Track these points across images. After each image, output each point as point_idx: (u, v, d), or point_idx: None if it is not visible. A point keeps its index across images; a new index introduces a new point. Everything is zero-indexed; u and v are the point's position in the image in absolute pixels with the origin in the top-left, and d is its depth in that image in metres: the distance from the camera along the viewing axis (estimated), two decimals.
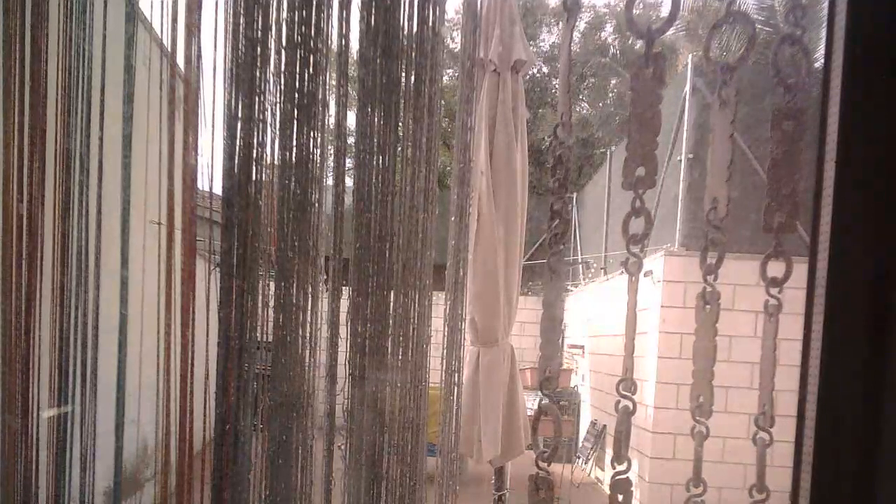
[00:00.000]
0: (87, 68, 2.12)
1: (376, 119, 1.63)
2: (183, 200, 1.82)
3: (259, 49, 1.52)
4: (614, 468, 0.84)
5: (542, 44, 15.59)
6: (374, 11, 1.59)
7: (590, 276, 9.07)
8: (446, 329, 2.06)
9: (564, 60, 0.91)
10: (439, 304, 1.90)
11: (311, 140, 1.58)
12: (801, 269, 0.76)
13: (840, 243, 0.68)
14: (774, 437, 0.83)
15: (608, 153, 9.15)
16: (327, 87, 1.60)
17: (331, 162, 1.67)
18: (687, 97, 5.80)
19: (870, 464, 0.67)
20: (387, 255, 1.68)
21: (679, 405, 5.59)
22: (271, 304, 1.59)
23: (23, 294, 2.13)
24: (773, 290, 0.80)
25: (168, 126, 1.93)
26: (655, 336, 5.74)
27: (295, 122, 1.57)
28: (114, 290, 2.10)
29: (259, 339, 1.60)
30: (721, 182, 0.83)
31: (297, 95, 1.55)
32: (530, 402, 5.13)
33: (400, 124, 1.66)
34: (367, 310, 1.67)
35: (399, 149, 1.68)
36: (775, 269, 0.80)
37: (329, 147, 1.66)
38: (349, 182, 1.68)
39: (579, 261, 9.66)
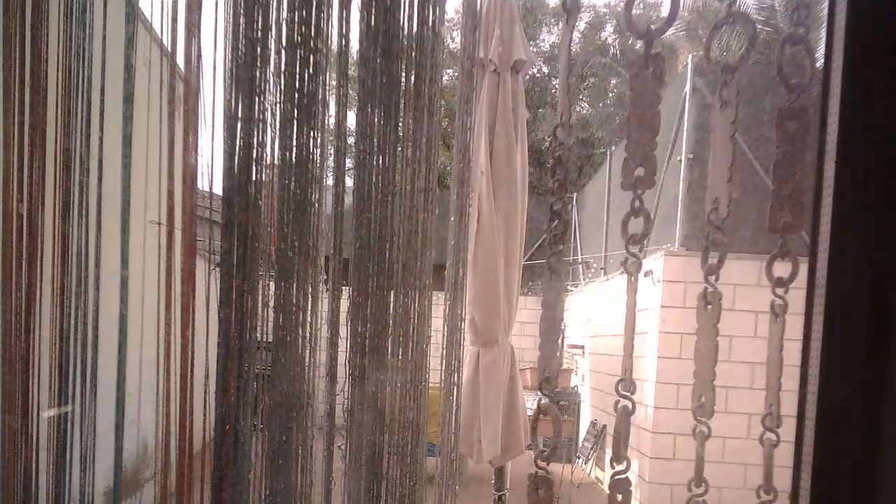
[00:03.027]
0: (87, 68, 2.12)
1: (376, 119, 1.63)
2: (183, 200, 1.82)
3: (259, 49, 1.52)
4: (614, 468, 0.84)
5: (542, 44, 15.59)
6: (374, 11, 1.59)
7: (590, 276, 9.07)
8: (446, 329, 2.06)
9: (564, 61, 0.91)
10: (439, 304, 1.90)
11: (311, 140, 1.58)
12: (801, 269, 0.76)
13: (840, 243, 0.68)
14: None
15: (608, 153, 9.15)
16: (327, 87, 1.60)
17: (331, 162, 1.67)
18: (687, 97, 5.80)
19: (870, 464, 0.67)
20: (387, 255, 1.68)
21: (679, 405, 5.59)
22: (271, 304, 1.59)
23: (23, 294, 2.13)
24: (779, 291, 0.80)
25: (168, 126, 1.93)
26: (655, 336, 5.74)
27: (295, 122, 1.57)
28: (114, 290, 2.10)
29: (259, 339, 1.60)
30: (722, 182, 0.83)
31: (297, 95, 1.55)
32: (530, 402, 5.13)
33: (400, 124, 1.66)
34: (367, 310, 1.67)
35: (399, 149, 1.68)
36: (780, 269, 0.80)
37: (329, 147, 1.66)
38: (349, 182, 1.68)
39: (579, 261, 9.65)
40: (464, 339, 2.21)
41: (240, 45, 1.49)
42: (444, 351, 2.06)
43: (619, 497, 0.82)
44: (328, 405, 1.74)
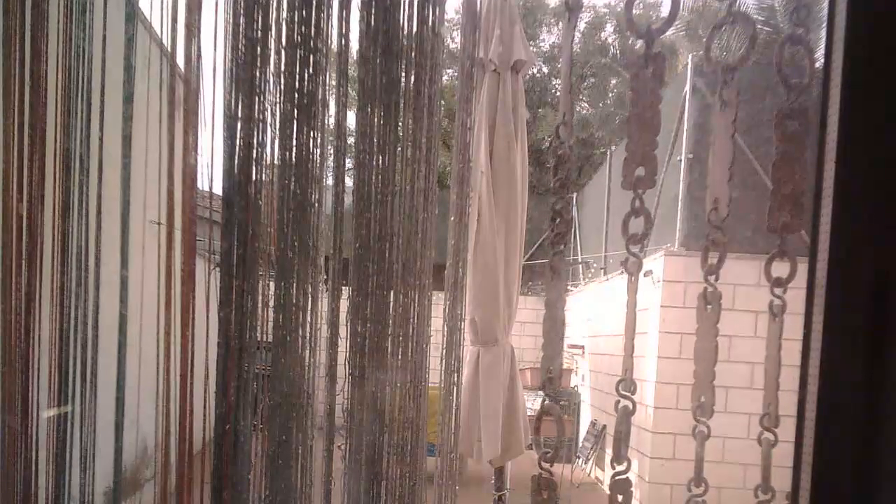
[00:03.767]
0: (87, 69, 2.12)
1: (376, 119, 1.63)
2: (183, 200, 1.82)
3: (259, 49, 1.52)
4: (614, 468, 0.84)
5: (542, 44, 15.59)
6: (374, 11, 1.60)
7: (590, 276, 9.07)
8: (446, 329, 2.06)
9: (566, 60, 0.91)
10: (439, 304, 1.90)
11: (311, 140, 1.58)
12: (801, 269, 0.76)
13: (840, 243, 0.68)
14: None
15: (608, 153, 9.15)
16: (327, 87, 1.60)
17: (331, 162, 1.67)
18: (687, 97, 5.80)
19: (870, 464, 0.67)
20: (387, 255, 1.68)
21: (679, 405, 5.59)
22: (271, 304, 1.59)
23: (23, 294, 2.13)
24: (778, 291, 0.80)
25: (168, 126, 1.93)
26: (655, 336, 5.74)
27: (295, 122, 1.57)
28: (114, 290, 2.10)
29: (259, 339, 1.60)
30: (722, 182, 0.83)
31: (297, 95, 1.55)
32: (530, 402, 5.13)
33: (400, 124, 1.66)
34: (367, 310, 1.67)
35: (399, 149, 1.68)
36: (779, 269, 0.80)
37: (329, 147, 1.66)
38: (349, 182, 1.68)
39: (579, 261, 9.65)
40: (464, 339, 2.21)
41: (240, 45, 1.50)
42: (444, 351, 2.06)
43: (620, 497, 0.82)
44: (328, 405, 1.74)
